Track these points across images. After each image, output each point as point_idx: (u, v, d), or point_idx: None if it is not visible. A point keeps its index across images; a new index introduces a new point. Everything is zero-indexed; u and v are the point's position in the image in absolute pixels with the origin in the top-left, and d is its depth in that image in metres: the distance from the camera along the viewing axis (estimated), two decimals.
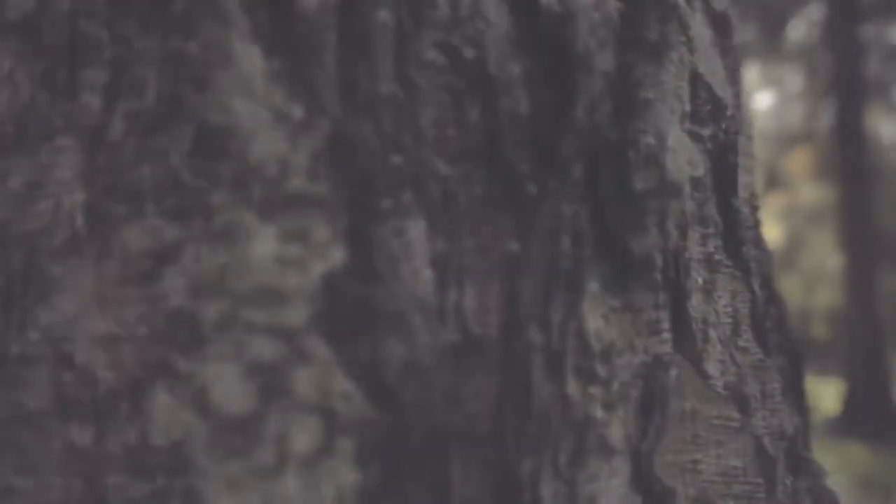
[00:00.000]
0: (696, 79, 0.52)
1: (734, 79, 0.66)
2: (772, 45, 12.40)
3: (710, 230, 0.51)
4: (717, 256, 0.51)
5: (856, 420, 9.24)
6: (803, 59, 12.40)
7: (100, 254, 0.32)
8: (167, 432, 0.31)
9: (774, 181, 13.39)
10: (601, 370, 0.38)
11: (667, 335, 0.44)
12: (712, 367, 0.46)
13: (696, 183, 0.50)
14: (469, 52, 0.36)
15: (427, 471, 0.34)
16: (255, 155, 0.30)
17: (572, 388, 0.37)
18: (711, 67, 0.54)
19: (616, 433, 0.39)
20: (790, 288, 14.70)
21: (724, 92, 0.55)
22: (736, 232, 0.53)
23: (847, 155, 9.79)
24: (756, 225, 0.61)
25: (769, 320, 0.63)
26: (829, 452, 8.11)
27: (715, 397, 0.45)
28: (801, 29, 12.30)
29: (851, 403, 9.53)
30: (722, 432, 0.45)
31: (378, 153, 0.34)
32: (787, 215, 13.93)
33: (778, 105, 14.63)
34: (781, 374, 0.71)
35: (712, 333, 0.49)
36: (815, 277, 14.17)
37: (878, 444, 8.45)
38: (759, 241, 0.61)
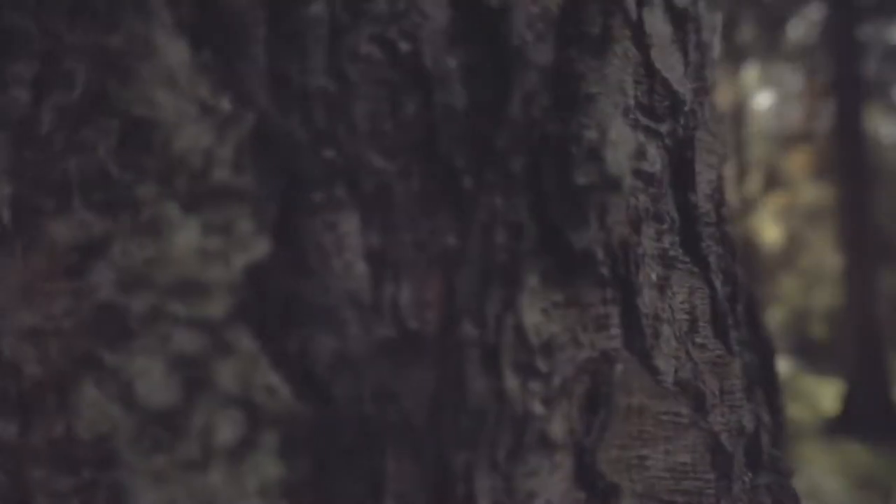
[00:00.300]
0: (652, 74, 0.51)
1: (700, 75, 0.66)
2: (771, 45, 12.39)
3: (666, 226, 0.50)
4: (672, 252, 0.51)
5: (855, 420, 9.24)
6: (803, 60, 12.39)
7: (27, 247, 0.32)
8: (93, 426, 0.31)
9: (774, 181, 13.38)
10: (542, 365, 0.38)
11: (615, 330, 0.44)
12: (663, 363, 0.46)
13: (649, 178, 0.50)
14: (405, 46, 0.36)
15: (360, 465, 0.34)
16: (179, 147, 0.30)
17: (510, 382, 0.36)
18: (670, 63, 0.54)
19: (558, 428, 0.39)
20: (789, 288, 14.69)
21: (682, 87, 0.54)
22: (694, 228, 0.53)
23: (846, 155, 9.78)
24: (720, 221, 0.61)
25: (733, 316, 0.63)
26: (829, 452, 8.12)
27: (664, 393, 0.45)
28: (800, 29, 12.29)
29: (851, 403, 9.53)
30: (671, 428, 0.45)
31: (309, 146, 0.34)
32: (787, 215, 13.92)
33: (778, 105, 14.62)
34: (750, 371, 0.71)
35: (666, 329, 0.48)
36: (814, 277, 14.15)
37: (877, 443, 8.45)
38: (723, 238, 0.61)
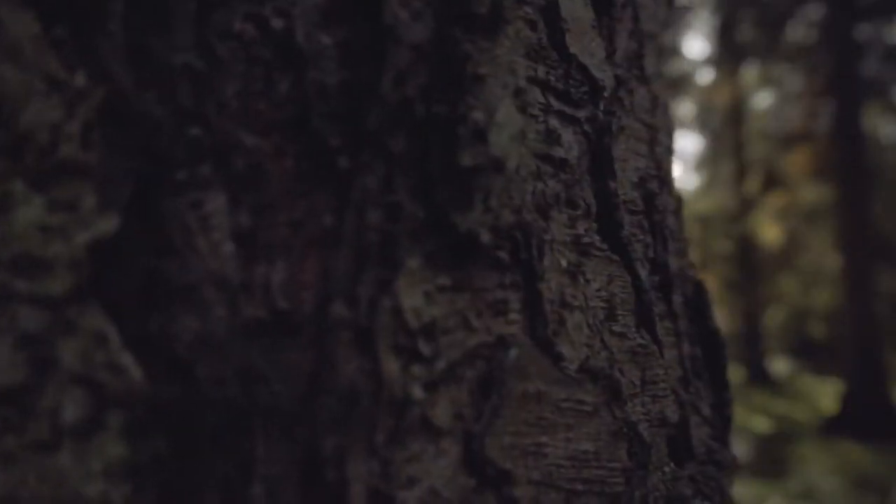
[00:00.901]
0: (567, 59, 0.51)
1: (636, 63, 0.65)
2: (771, 45, 12.37)
3: (580, 212, 0.50)
4: (587, 239, 0.50)
5: (853, 419, 9.22)
6: (802, 60, 12.37)
7: None
8: None
9: (773, 181, 13.35)
10: (424, 349, 0.37)
11: (515, 316, 0.43)
12: (568, 350, 0.45)
13: (561, 164, 0.49)
14: (278, 23, 0.35)
15: (227, 448, 0.34)
16: (25, 123, 0.30)
17: (388, 365, 0.36)
18: (589, 48, 0.53)
19: (443, 413, 0.38)
20: (789, 288, 14.65)
21: (602, 74, 0.54)
22: (613, 215, 0.53)
23: (845, 155, 9.76)
24: (651, 210, 0.60)
25: (665, 306, 0.62)
26: (827, 452, 8.10)
27: (566, 380, 0.44)
28: (800, 29, 12.26)
29: (849, 403, 9.51)
30: (572, 416, 0.44)
31: (173, 124, 0.33)
32: (786, 215, 13.88)
33: (777, 105, 14.58)
34: (691, 363, 0.70)
35: (577, 316, 0.48)
36: (813, 277, 14.12)
37: (875, 443, 8.44)
38: (654, 227, 0.60)
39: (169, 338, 0.33)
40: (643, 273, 0.56)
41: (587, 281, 0.50)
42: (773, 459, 7.70)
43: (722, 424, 0.75)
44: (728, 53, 13.85)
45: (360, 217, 0.35)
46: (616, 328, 0.52)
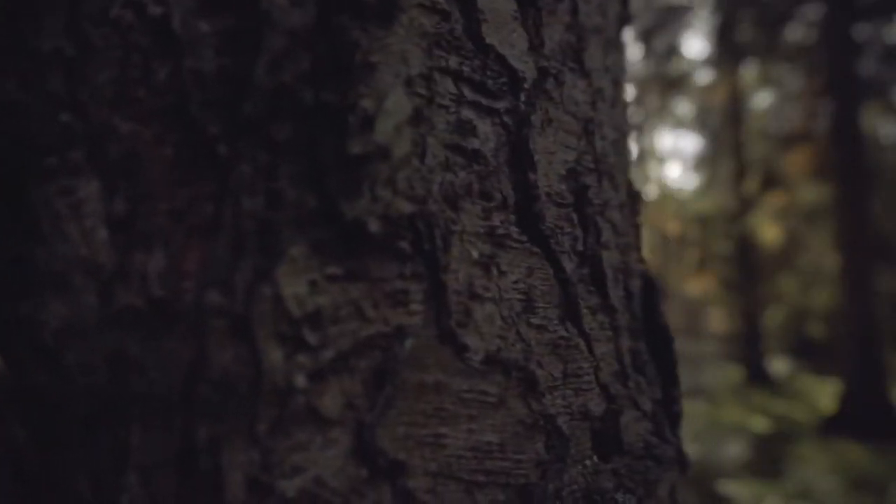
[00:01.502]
0: (484, 50, 0.51)
1: (575, 57, 0.65)
2: (770, 44, 12.35)
3: (494, 204, 0.50)
4: (502, 231, 0.50)
5: (852, 419, 9.21)
6: (802, 60, 12.35)
7: None
8: None
9: (773, 181, 13.33)
10: (310, 338, 0.37)
11: (416, 307, 0.43)
12: (474, 341, 0.45)
13: (473, 155, 0.49)
14: (155, 10, 0.35)
15: (100, 436, 0.34)
16: None
17: (269, 354, 0.36)
18: (508, 39, 0.53)
19: (332, 403, 0.38)
20: (788, 288, 14.63)
21: (522, 65, 0.53)
22: (532, 208, 0.52)
23: (844, 155, 9.75)
24: (582, 203, 0.60)
25: (600, 300, 0.62)
26: (825, 451, 8.09)
27: (469, 371, 0.44)
28: (799, 29, 12.25)
29: (848, 403, 9.50)
30: (476, 407, 0.44)
31: (42, 110, 0.33)
32: (786, 215, 13.86)
33: (777, 105, 14.56)
34: (634, 358, 0.70)
35: (488, 308, 0.47)
36: (812, 277, 14.09)
37: (873, 443, 8.42)
38: (585, 220, 0.60)
39: (37, 325, 0.32)
40: (569, 266, 0.56)
41: (502, 272, 0.49)
42: (771, 459, 7.69)
43: (669, 420, 0.75)
44: (727, 53, 13.83)
45: (238, 205, 0.35)
46: (534, 321, 0.51)
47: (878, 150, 12.57)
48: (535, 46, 0.56)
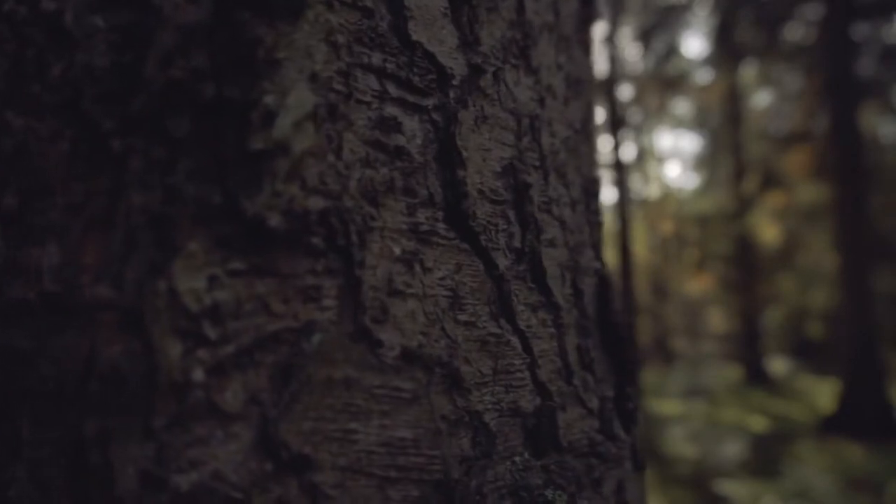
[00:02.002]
0: (410, 47, 0.51)
1: (521, 53, 0.65)
2: (770, 44, 12.34)
3: (419, 200, 0.49)
4: (426, 227, 0.50)
5: (851, 419, 9.20)
6: (801, 59, 12.34)
7: None
8: None
9: (771, 181, 13.32)
10: (210, 333, 0.37)
11: (329, 302, 0.43)
12: (391, 337, 0.45)
13: (396, 151, 0.49)
14: (49, 5, 0.35)
15: None
16: None
17: (166, 348, 0.36)
18: (438, 36, 0.53)
19: (234, 398, 0.38)
20: (787, 287, 14.62)
21: (451, 62, 0.53)
22: (461, 204, 0.52)
23: (843, 155, 9.73)
24: (522, 200, 0.60)
25: (542, 296, 0.62)
26: (824, 451, 8.09)
27: (382, 367, 0.44)
28: (798, 29, 12.23)
29: (846, 402, 9.48)
30: (388, 402, 0.44)
31: None
32: (784, 215, 13.85)
33: (776, 105, 14.55)
34: (582, 355, 0.70)
35: (410, 304, 0.47)
36: (811, 277, 14.08)
37: (872, 442, 8.42)
38: (523, 217, 0.59)
39: None
40: (503, 262, 0.56)
41: (427, 269, 0.49)
42: (769, 459, 7.68)
43: (622, 418, 0.75)
44: (726, 53, 13.82)
45: (131, 200, 0.35)
46: (462, 317, 0.51)
47: (877, 150, 12.56)
48: (469, 43, 0.56)
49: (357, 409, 0.42)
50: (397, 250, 0.47)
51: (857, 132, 9.78)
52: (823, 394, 11.71)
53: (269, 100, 0.38)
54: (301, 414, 0.40)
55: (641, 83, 15.36)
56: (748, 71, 14.44)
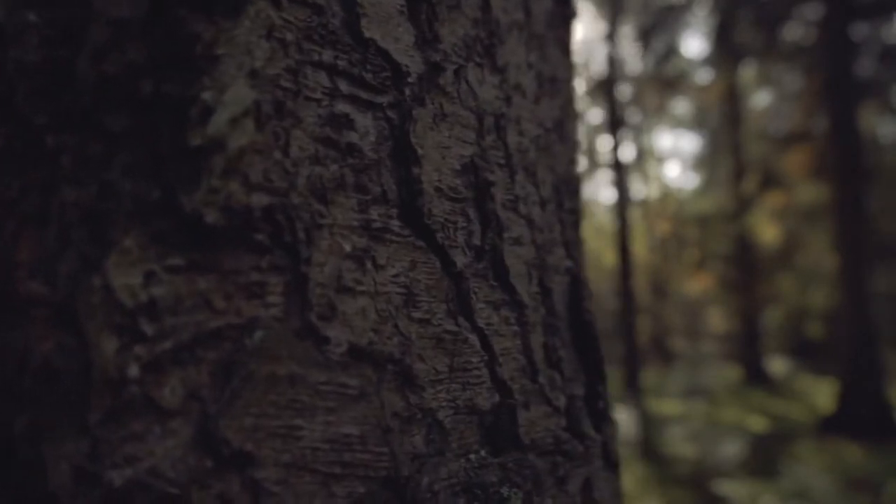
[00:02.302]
0: (363, 44, 0.51)
1: (479, 52, 0.65)
2: (769, 45, 12.33)
3: (371, 197, 0.49)
4: (379, 224, 0.50)
5: (850, 419, 9.19)
6: (801, 59, 12.32)
7: None
8: None
9: (771, 181, 13.31)
10: (147, 329, 0.37)
11: (274, 299, 0.43)
12: (336, 334, 0.45)
13: (347, 148, 0.49)
14: None
15: None
16: None
17: (101, 344, 0.36)
18: (393, 34, 0.53)
19: (172, 394, 0.38)
20: (786, 287, 14.61)
21: (407, 59, 0.53)
22: (416, 202, 0.52)
23: (842, 155, 9.72)
24: (483, 198, 0.59)
25: (506, 294, 0.62)
26: (823, 451, 8.08)
27: (328, 364, 0.44)
28: (798, 29, 12.22)
29: (845, 402, 9.48)
30: (334, 399, 0.44)
31: None
32: (784, 215, 13.84)
33: (775, 105, 14.53)
34: (549, 353, 0.70)
35: (361, 301, 0.47)
36: (810, 277, 14.06)
37: (871, 442, 8.41)
38: (484, 214, 0.59)
39: None
40: (461, 260, 0.56)
41: (379, 266, 0.49)
42: (768, 458, 7.67)
43: (592, 416, 0.75)
44: (726, 53, 13.81)
45: (64, 196, 0.35)
46: (416, 314, 0.51)
47: (876, 150, 12.54)
48: (428, 41, 0.56)
49: (302, 406, 0.42)
50: (347, 247, 0.47)
51: (856, 132, 9.77)
52: (823, 394, 11.70)
53: (206, 96, 0.38)
54: (243, 410, 0.40)
55: (641, 83, 15.35)
56: (748, 71, 14.43)
